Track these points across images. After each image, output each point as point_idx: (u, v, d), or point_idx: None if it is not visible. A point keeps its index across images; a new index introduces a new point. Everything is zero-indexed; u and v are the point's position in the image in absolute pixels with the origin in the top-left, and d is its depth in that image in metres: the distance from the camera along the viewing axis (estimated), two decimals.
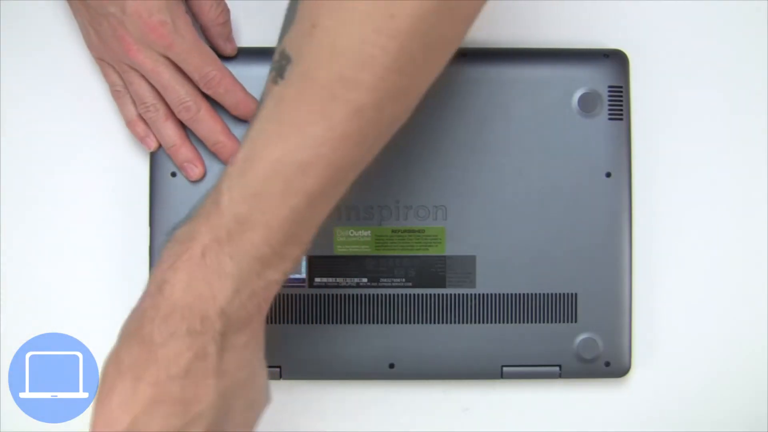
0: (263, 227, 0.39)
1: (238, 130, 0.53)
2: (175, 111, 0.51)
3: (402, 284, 0.53)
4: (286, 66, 0.39)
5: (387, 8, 0.37)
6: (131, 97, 0.52)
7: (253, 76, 0.53)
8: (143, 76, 0.51)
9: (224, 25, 0.52)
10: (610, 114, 0.53)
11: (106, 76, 0.53)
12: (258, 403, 0.44)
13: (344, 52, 0.38)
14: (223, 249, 0.39)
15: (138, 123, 0.53)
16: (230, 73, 0.51)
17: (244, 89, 0.52)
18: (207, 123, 0.52)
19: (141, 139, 0.53)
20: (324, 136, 0.39)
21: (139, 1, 0.48)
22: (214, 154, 0.53)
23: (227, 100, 0.51)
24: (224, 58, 0.52)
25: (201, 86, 0.51)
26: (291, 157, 0.39)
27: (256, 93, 0.52)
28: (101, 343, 0.54)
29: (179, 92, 0.50)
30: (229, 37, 0.53)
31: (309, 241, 0.41)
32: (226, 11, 0.52)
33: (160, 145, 0.53)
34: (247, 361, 0.42)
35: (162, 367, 0.39)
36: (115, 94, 0.53)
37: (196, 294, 0.39)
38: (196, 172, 0.53)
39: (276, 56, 0.40)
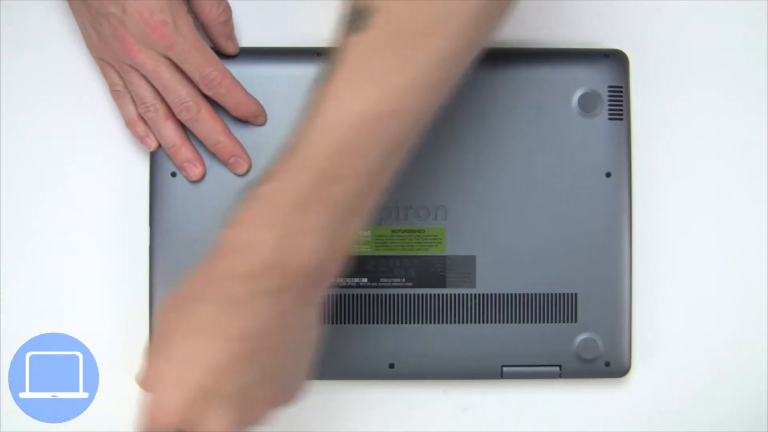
0: (350, 179, 0.40)
1: (238, 130, 0.53)
2: (176, 111, 0.51)
3: (402, 284, 0.53)
4: (366, 18, 0.40)
5: None
6: (131, 97, 0.52)
7: (254, 76, 0.53)
8: (143, 76, 0.51)
9: (225, 24, 0.52)
10: (610, 114, 0.53)
11: (106, 76, 0.53)
12: (311, 360, 0.45)
13: (429, 3, 0.39)
14: (312, 204, 0.40)
15: (138, 123, 0.53)
16: (231, 74, 0.51)
17: (244, 90, 0.52)
18: (207, 123, 0.52)
19: (141, 139, 0.53)
20: (410, 86, 0.39)
21: (140, 1, 0.48)
22: (214, 155, 0.53)
23: (228, 100, 0.51)
24: (226, 56, 0.53)
25: (201, 87, 0.51)
26: (377, 108, 0.39)
27: (257, 93, 0.53)
28: (101, 343, 0.55)
29: (180, 92, 0.50)
30: (231, 36, 0.53)
31: (387, 187, 0.42)
32: (228, 10, 0.52)
33: (159, 145, 0.53)
34: (317, 318, 0.43)
35: (245, 323, 0.40)
36: (115, 94, 0.53)
37: (284, 251, 0.40)
38: (195, 172, 0.53)
39: (349, 9, 0.41)
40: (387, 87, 0.39)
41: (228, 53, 0.53)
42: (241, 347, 0.40)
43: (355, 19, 0.40)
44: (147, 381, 0.41)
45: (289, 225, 0.40)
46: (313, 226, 0.40)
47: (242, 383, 0.40)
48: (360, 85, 0.39)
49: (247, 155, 0.53)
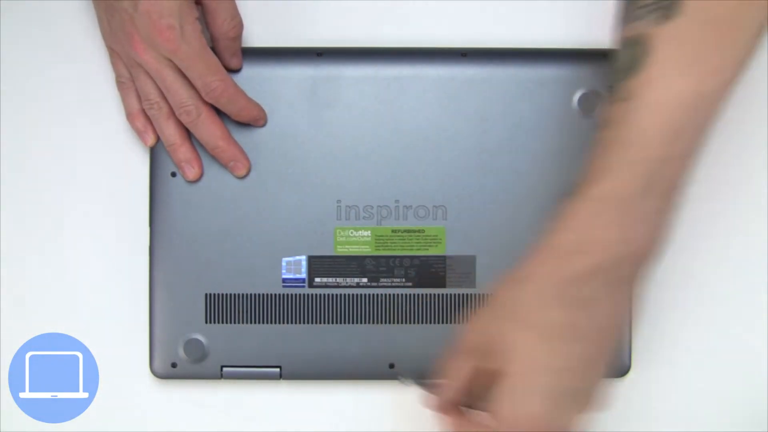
0: (678, 160, 0.42)
1: (239, 131, 0.53)
2: (176, 113, 0.51)
3: (402, 284, 0.53)
4: (674, 7, 0.42)
5: None
6: (136, 90, 0.52)
7: (254, 76, 0.53)
8: (149, 74, 0.51)
9: (234, 40, 0.52)
10: None
11: (114, 65, 0.53)
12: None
13: None
14: (648, 192, 0.41)
15: (138, 117, 0.53)
16: (233, 82, 0.51)
17: (246, 97, 0.52)
18: (207, 127, 0.52)
19: (139, 134, 0.53)
20: (726, 65, 0.41)
21: (151, 1, 0.47)
22: (213, 158, 0.53)
23: (229, 109, 0.51)
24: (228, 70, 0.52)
25: (203, 95, 0.50)
26: (701, 88, 0.41)
27: (257, 93, 0.53)
28: (101, 343, 0.55)
29: (181, 95, 0.50)
30: (237, 52, 0.52)
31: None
32: (239, 27, 0.52)
33: (157, 141, 0.53)
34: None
35: (593, 323, 0.42)
36: (120, 86, 0.53)
37: (628, 243, 0.42)
38: (192, 172, 0.53)
39: (647, 1, 0.42)
40: (707, 68, 0.41)
41: (230, 69, 0.52)
42: (591, 348, 0.42)
43: (661, 7, 0.42)
44: (501, 401, 0.43)
45: (629, 217, 0.42)
46: (649, 213, 0.42)
47: (582, 382, 0.42)
48: (680, 68, 0.41)
49: (246, 159, 0.53)
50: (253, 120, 0.53)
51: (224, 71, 0.51)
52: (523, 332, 0.42)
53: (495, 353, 0.43)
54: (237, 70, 0.53)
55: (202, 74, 0.50)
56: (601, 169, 0.42)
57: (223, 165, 0.53)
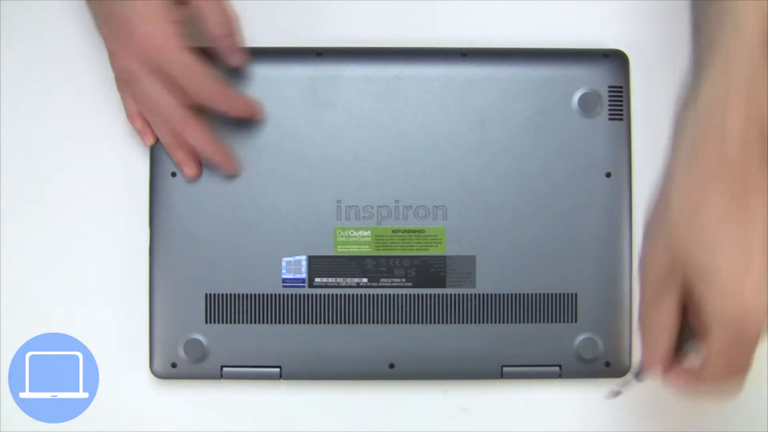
0: None
1: (239, 131, 0.53)
2: (162, 119, 0.51)
3: (402, 284, 0.53)
4: None
5: None
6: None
7: (254, 75, 0.53)
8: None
9: (228, 37, 0.51)
10: (610, 114, 0.54)
11: (113, 66, 0.53)
12: None
13: None
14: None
15: (137, 117, 0.53)
16: (218, 82, 0.50)
17: (235, 94, 0.52)
18: (193, 131, 0.51)
19: (139, 134, 0.53)
20: None
21: (140, 7, 0.47)
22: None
23: (220, 108, 0.51)
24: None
25: (190, 98, 0.50)
26: None
27: (257, 93, 0.53)
28: (101, 343, 0.55)
29: (165, 101, 0.50)
30: (234, 47, 0.51)
31: None
32: (229, 23, 0.50)
33: (156, 141, 0.53)
34: None
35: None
36: (120, 86, 0.53)
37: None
38: (190, 172, 0.53)
39: None
40: None
41: (233, 66, 0.52)
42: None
43: None
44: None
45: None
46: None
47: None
48: None
49: (234, 159, 0.52)
50: (249, 115, 0.52)
51: (209, 77, 0.50)
52: (705, 240, 0.42)
53: (690, 276, 0.43)
54: (240, 68, 0.53)
55: (187, 79, 0.49)
56: (703, 66, 0.44)
57: (215, 168, 0.52)
